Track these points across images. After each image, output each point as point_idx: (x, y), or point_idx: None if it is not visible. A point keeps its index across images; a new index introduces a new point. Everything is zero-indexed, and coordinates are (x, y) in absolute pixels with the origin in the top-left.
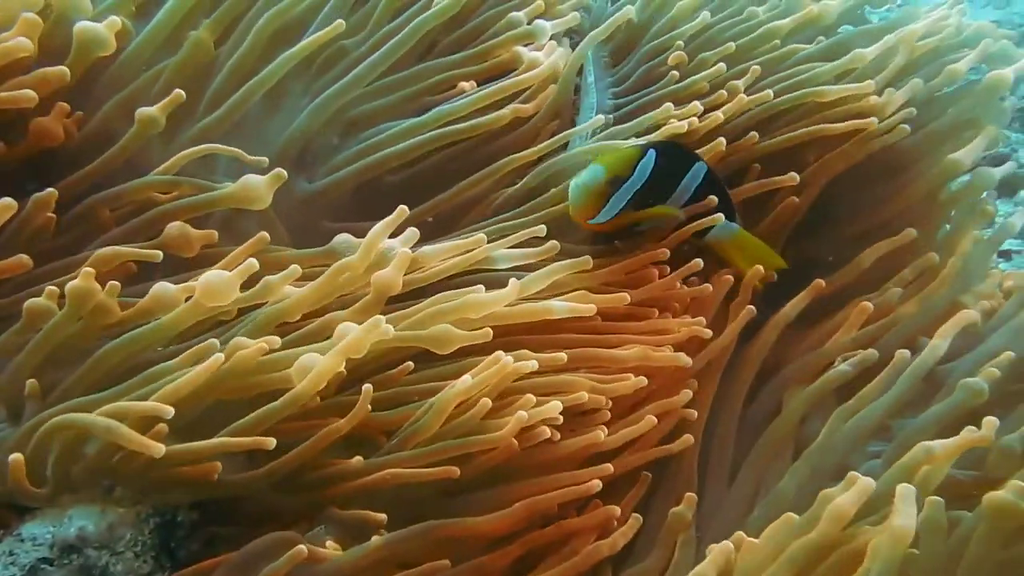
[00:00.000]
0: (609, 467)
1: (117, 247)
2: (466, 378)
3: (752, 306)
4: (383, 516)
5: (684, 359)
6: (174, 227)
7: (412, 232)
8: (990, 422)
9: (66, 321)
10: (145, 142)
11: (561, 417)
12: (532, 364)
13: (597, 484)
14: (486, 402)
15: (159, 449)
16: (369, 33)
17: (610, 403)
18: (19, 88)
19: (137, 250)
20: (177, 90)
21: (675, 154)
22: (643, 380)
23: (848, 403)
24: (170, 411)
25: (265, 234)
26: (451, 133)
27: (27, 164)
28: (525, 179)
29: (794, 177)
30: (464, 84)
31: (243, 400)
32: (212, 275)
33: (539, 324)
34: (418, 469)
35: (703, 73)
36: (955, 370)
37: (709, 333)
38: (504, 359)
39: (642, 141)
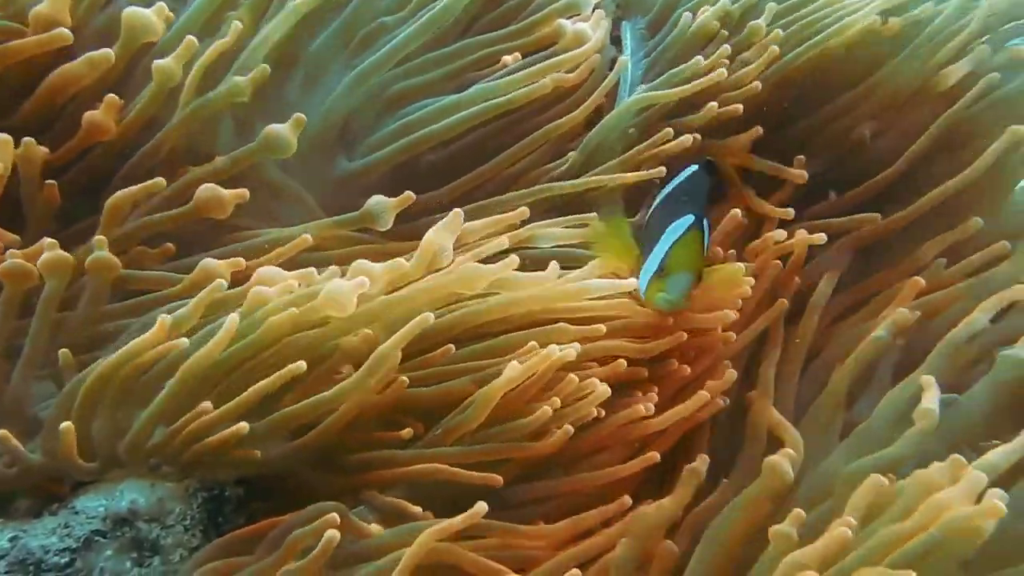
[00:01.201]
0: (655, 455)
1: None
2: (514, 364)
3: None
4: (419, 510)
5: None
6: (205, 189)
7: (456, 214)
8: None
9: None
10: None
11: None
12: (573, 352)
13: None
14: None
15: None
16: (411, 11)
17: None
18: (68, 75)
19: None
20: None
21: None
22: (682, 335)
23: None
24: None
25: (307, 237)
26: (491, 108)
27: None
28: (570, 159)
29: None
30: (507, 58)
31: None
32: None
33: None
34: (461, 470)
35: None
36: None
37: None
38: (549, 348)
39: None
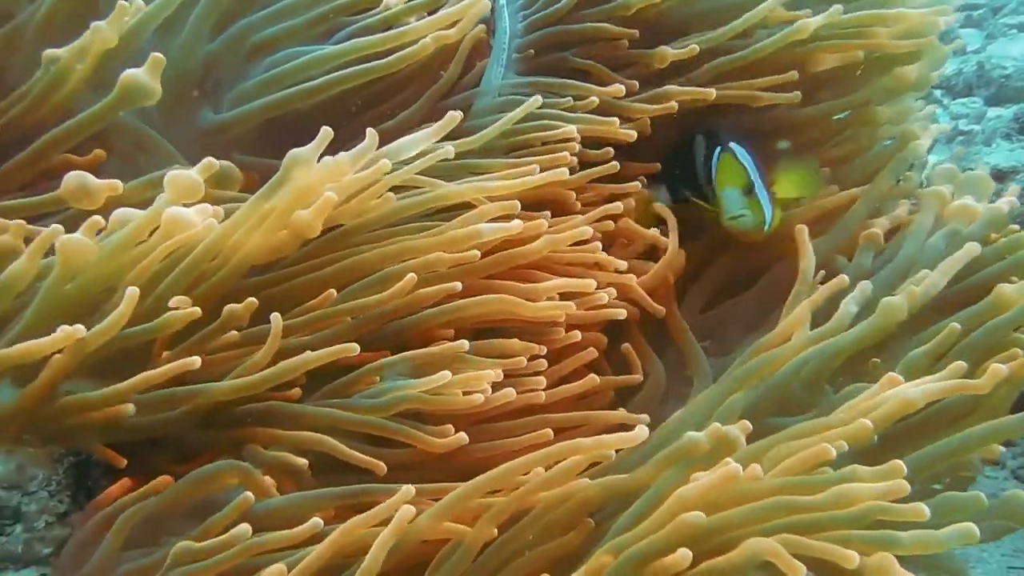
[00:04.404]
0: (549, 432)
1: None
2: None
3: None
4: (304, 461)
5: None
6: (72, 178)
7: (372, 137)
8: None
9: None
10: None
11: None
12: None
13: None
14: None
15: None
16: None
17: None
18: None
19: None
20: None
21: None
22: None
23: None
24: None
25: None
26: (370, 70)
27: None
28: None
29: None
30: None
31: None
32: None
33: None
34: (345, 448)
35: None
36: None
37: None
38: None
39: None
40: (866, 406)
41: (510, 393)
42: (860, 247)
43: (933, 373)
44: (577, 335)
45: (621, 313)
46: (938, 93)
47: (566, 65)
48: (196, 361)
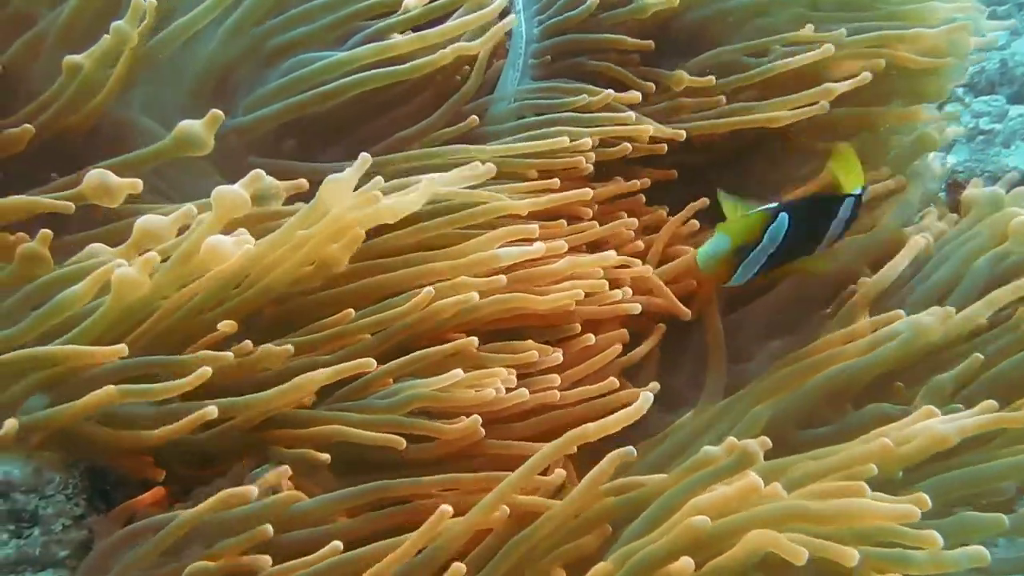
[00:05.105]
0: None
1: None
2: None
3: None
4: (326, 456)
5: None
6: (93, 176)
7: (364, 157)
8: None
9: None
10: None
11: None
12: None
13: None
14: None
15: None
16: None
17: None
18: None
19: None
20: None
21: (817, 205)
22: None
23: None
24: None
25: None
26: (387, 75)
27: None
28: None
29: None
30: (409, 2)
31: None
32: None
33: None
34: (361, 432)
35: None
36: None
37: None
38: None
39: (774, 205)
40: (897, 437)
41: (523, 393)
42: (901, 255)
43: (957, 399)
44: (591, 338)
45: (636, 308)
46: (959, 91)
47: (582, 69)
48: (213, 411)
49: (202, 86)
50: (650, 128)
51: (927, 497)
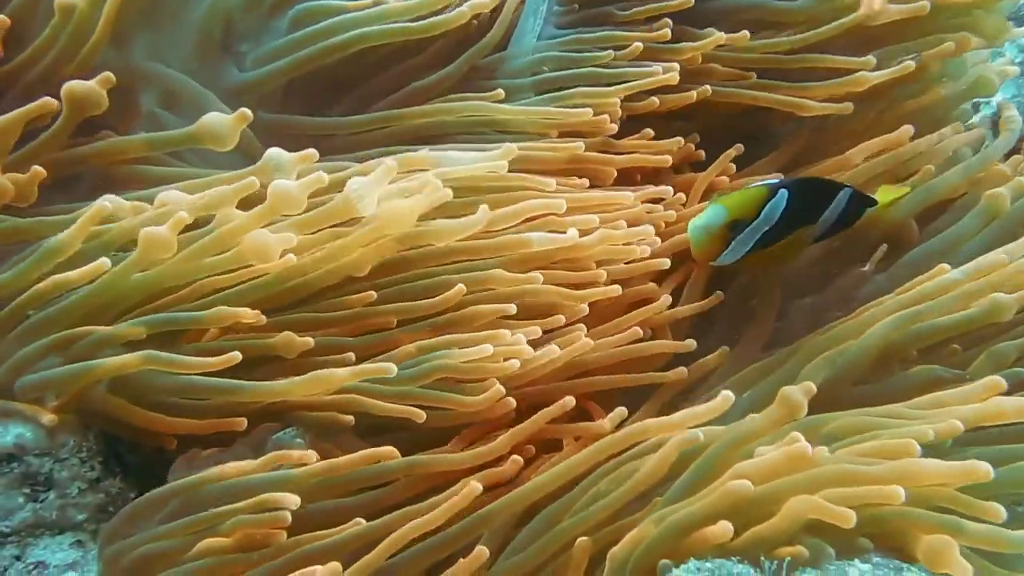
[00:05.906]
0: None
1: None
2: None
3: None
4: (350, 418)
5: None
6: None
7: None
8: None
9: None
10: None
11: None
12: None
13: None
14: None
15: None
16: None
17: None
18: None
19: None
20: None
21: (815, 189)
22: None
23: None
24: None
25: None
26: (402, 31)
27: None
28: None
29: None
30: None
31: None
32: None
33: None
34: (380, 403)
35: None
36: None
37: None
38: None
39: (774, 180)
40: (958, 409)
41: (553, 350)
42: (975, 211)
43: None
44: (618, 289)
45: (665, 263)
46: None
47: (610, 20)
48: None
49: (207, 39)
50: (676, 75)
51: (988, 466)
